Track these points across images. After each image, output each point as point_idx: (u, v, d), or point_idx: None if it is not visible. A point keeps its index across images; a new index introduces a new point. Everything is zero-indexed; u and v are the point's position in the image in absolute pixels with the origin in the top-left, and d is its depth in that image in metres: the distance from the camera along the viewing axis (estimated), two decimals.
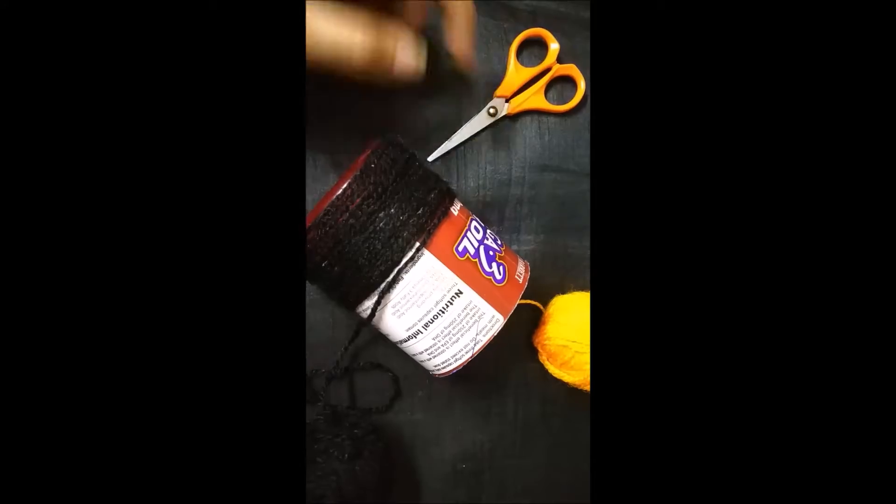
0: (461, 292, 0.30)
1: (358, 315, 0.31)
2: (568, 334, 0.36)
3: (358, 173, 0.28)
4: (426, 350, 0.31)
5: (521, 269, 0.33)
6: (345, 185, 0.28)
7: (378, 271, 0.29)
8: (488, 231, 0.33)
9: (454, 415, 0.39)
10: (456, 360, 0.31)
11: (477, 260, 0.31)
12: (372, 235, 0.28)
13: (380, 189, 0.28)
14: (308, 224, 0.28)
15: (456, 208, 0.31)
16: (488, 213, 0.38)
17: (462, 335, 0.30)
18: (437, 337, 0.30)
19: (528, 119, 0.37)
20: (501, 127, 0.37)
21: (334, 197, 0.28)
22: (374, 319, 0.31)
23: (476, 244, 0.31)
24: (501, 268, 0.32)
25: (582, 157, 0.38)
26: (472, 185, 0.37)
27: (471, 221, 0.32)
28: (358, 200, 0.28)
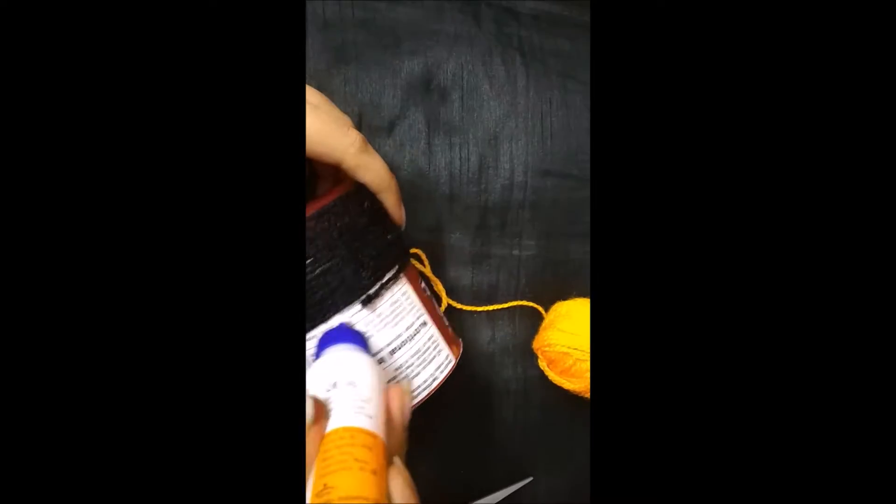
0: (426, 323, 0.30)
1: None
2: (569, 341, 0.35)
3: (352, 190, 0.28)
4: (389, 382, 0.30)
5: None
6: (344, 193, 0.28)
7: (365, 280, 0.28)
8: None
9: (452, 420, 0.39)
10: (414, 398, 0.30)
11: (433, 302, 0.32)
12: (367, 241, 0.28)
13: (375, 206, 0.29)
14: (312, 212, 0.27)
15: None
16: (490, 217, 0.37)
17: (423, 368, 0.30)
18: (400, 368, 0.29)
19: (530, 123, 0.37)
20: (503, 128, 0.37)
21: (337, 196, 0.28)
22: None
23: (429, 292, 0.32)
24: (445, 318, 0.33)
25: (584, 162, 0.37)
26: (473, 189, 0.37)
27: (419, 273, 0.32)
28: (355, 209, 0.28)
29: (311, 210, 0.27)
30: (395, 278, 0.29)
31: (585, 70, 0.36)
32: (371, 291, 0.28)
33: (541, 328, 0.38)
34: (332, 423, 0.21)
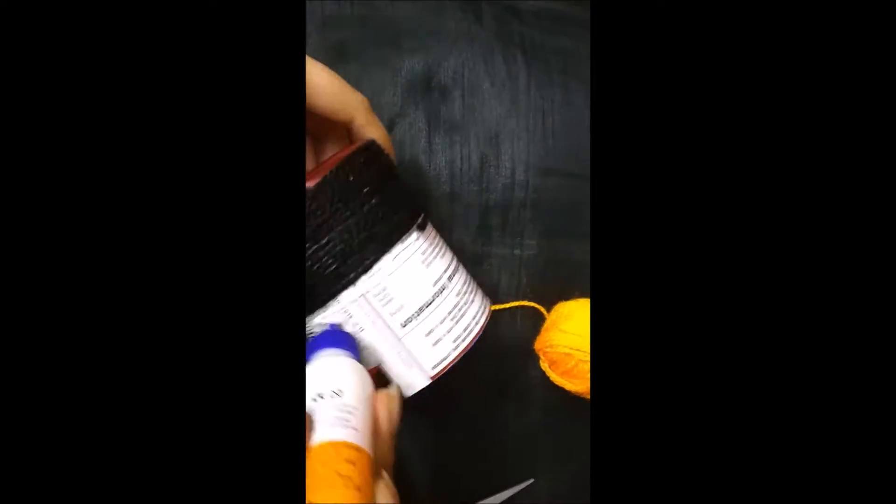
0: (459, 267, 0.30)
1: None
2: (571, 342, 0.35)
3: (368, 142, 0.28)
4: (450, 313, 0.29)
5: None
6: (364, 144, 0.28)
7: (410, 212, 0.28)
8: None
9: (453, 421, 0.39)
10: (477, 323, 0.30)
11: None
12: (398, 185, 0.28)
13: (390, 160, 0.29)
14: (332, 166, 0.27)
15: None
16: (491, 216, 0.37)
17: (474, 297, 0.30)
18: (459, 293, 0.29)
19: (532, 122, 0.37)
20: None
21: (358, 146, 0.28)
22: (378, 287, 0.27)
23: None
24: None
25: (586, 160, 0.37)
26: (474, 188, 0.37)
27: None
28: (377, 158, 0.28)
29: (334, 161, 0.27)
30: (426, 219, 0.29)
31: (587, 68, 0.36)
32: (419, 221, 0.28)
33: (543, 329, 0.37)
34: (317, 437, 0.21)
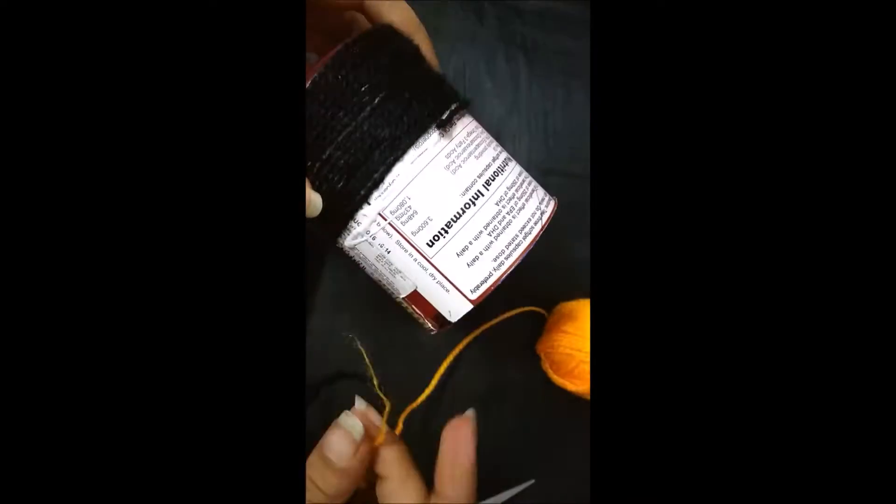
0: (510, 159, 0.25)
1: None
2: (573, 343, 0.35)
3: (379, 27, 0.24)
4: (487, 226, 0.24)
5: None
6: (371, 29, 0.23)
7: (430, 107, 0.23)
8: None
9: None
10: (525, 236, 0.24)
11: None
12: (417, 74, 0.23)
13: (412, 46, 0.24)
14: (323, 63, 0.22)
15: None
16: None
17: (527, 200, 0.24)
18: (501, 201, 0.24)
19: (533, 121, 0.37)
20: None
21: (361, 34, 0.23)
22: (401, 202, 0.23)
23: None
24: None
25: (587, 161, 0.37)
26: None
27: None
28: (390, 44, 0.23)
29: (327, 55, 0.22)
30: (459, 111, 0.24)
31: (589, 68, 0.36)
32: (443, 117, 0.23)
33: (544, 330, 0.37)
34: None
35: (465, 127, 0.24)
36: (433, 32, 0.36)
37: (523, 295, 0.38)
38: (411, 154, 0.22)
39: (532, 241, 0.24)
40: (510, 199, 0.24)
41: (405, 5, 0.24)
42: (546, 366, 0.37)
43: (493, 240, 0.24)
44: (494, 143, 0.25)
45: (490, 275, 0.24)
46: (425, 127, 0.23)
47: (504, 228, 0.24)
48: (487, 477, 0.39)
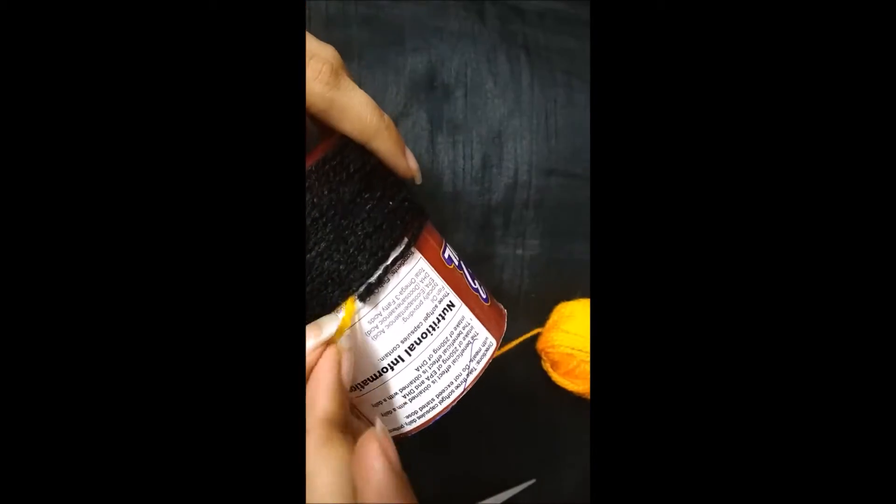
0: (453, 304, 0.24)
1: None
2: (573, 342, 0.35)
3: (329, 152, 0.22)
4: (403, 389, 0.24)
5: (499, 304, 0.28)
6: (331, 149, 0.22)
7: (363, 266, 0.22)
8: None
9: (454, 422, 0.39)
10: (442, 401, 0.24)
11: (462, 273, 0.26)
12: (359, 215, 0.22)
13: (367, 167, 0.23)
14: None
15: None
16: (493, 217, 0.37)
17: (454, 362, 0.24)
18: (422, 366, 0.24)
19: (535, 121, 0.37)
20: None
21: (309, 165, 0.22)
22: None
23: (457, 258, 0.26)
24: (483, 288, 0.27)
25: (589, 161, 0.37)
26: (476, 188, 0.37)
27: (443, 237, 0.27)
28: (336, 177, 0.22)
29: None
30: (404, 256, 0.23)
31: (590, 68, 0.36)
32: (372, 279, 0.22)
33: (545, 329, 0.37)
34: None
35: (404, 279, 0.23)
36: (434, 32, 0.36)
37: (523, 295, 0.38)
38: (332, 320, 0.22)
39: (448, 406, 0.25)
40: (434, 363, 0.24)
41: (359, 104, 0.21)
42: (546, 365, 0.37)
43: (408, 402, 0.24)
44: (438, 287, 0.24)
45: (401, 426, 0.25)
46: (348, 293, 0.22)
47: (420, 393, 0.24)
48: (488, 477, 0.39)
